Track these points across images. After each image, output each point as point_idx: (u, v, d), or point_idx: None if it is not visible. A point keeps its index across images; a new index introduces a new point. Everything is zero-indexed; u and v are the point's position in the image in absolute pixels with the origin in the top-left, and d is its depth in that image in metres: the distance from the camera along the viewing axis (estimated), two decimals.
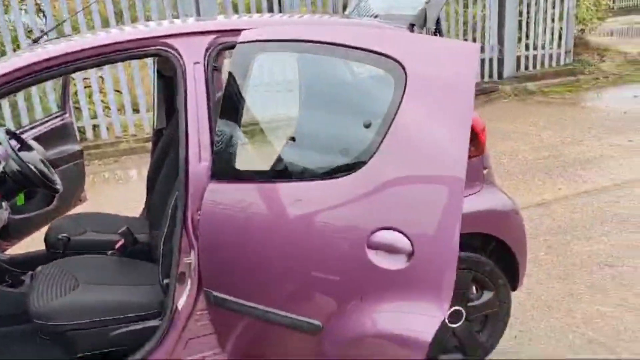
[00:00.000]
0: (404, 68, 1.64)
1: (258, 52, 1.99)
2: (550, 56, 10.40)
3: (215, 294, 2.08)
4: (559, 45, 10.45)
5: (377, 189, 1.65)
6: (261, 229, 1.89)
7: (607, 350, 2.72)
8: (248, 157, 2.15)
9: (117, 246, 2.75)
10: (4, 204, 2.57)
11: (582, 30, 12.43)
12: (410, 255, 1.61)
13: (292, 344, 1.94)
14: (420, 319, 1.61)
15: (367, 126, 1.81)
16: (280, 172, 1.99)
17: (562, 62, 10.51)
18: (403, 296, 1.62)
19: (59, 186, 2.75)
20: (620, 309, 3.06)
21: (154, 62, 3.33)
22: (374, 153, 1.69)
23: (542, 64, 10.32)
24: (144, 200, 3.40)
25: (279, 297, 1.88)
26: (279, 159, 2.02)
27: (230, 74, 2.03)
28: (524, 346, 2.80)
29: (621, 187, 4.85)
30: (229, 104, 2.03)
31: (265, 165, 2.06)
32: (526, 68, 10.18)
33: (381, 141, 1.65)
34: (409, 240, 1.60)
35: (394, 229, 1.61)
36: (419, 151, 1.64)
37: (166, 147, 3.17)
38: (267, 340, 2.00)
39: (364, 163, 1.75)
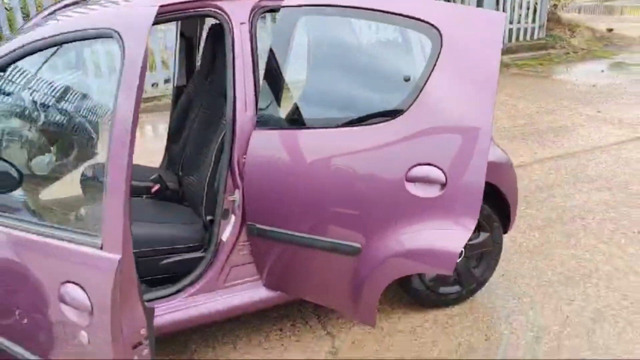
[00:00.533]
0: (439, 32, 1.95)
1: (301, 15, 2.28)
2: (525, 30, 10.83)
3: (259, 226, 2.40)
4: (534, 20, 10.87)
5: (414, 133, 1.99)
6: (306, 168, 2.21)
7: (579, 286, 3.16)
8: (290, 108, 2.44)
9: (153, 190, 3.03)
10: (51, 150, 2.81)
11: (555, 6, 12.86)
12: (443, 185, 1.95)
13: (330, 266, 2.28)
14: (451, 236, 1.96)
15: (407, 80, 2.13)
16: (320, 121, 2.29)
17: (535, 37, 10.95)
18: (436, 218, 1.97)
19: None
20: (591, 253, 3.51)
21: (176, 25, 3.57)
22: (412, 103, 2.02)
23: (517, 37, 10.74)
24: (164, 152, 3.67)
25: (323, 226, 2.22)
26: (319, 110, 2.32)
27: (275, 33, 2.31)
28: (511, 282, 3.21)
29: (590, 152, 5.31)
30: (273, 60, 2.31)
31: (306, 115, 2.36)
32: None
33: (419, 93, 1.98)
34: (443, 173, 1.94)
35: (430, 164, 1.95)
36: (451, 104, 1.97)
37: (188, 103, 3.43)
38: (307, 264, 2.34)
39: (402, 112, 2.08)
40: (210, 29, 2.94)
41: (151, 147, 4.80)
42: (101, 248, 1.46)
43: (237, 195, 2.43)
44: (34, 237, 1.61)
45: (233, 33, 2.36)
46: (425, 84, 1.97)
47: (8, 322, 1.73)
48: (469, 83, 1.92)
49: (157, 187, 3.04)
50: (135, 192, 3.16)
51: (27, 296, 1.64)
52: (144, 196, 3.08)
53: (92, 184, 2.44)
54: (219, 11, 2.35)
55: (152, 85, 7.88)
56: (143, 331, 1.72)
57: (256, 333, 2.87)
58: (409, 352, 2.70)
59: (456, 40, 1.93)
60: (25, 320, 1.66)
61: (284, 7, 2.28)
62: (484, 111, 1.88)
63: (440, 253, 1.99)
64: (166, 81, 7.80)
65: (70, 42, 1.85)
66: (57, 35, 1.86)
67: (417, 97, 1.99)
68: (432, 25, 1.95)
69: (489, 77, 1.89)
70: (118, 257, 1.42)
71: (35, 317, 1.64)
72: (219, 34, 2.63)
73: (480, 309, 3.00)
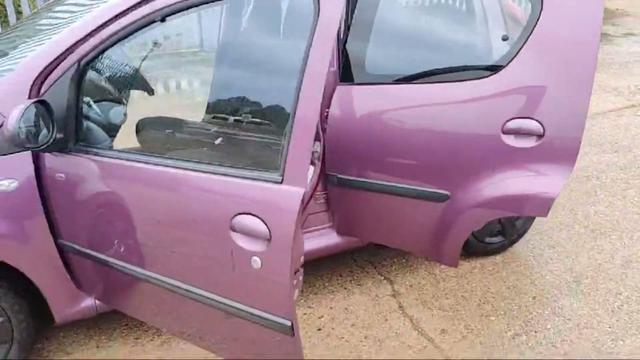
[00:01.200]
0: None
1: None
2: None
3: (341, 176, 2.57)
4: None
5: (512, 88, 2.17)
6: (397, 121, 2.38)
7: (605, 237, 3.45)
8: (377, 64, 2.58)
9: (216, 143, 3.15)
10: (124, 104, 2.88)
11: None
12: (540, 136, 2.15)
13: (414, 212, 2.47)
14: (547, 182, 2.16)
15: (505, 39, 2.30)
16: (415, 76, 2.41)
17: None
18: (532, 166, 2.17)
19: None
20: (610, 208, 3.81)
21: None
22: (512, 59, 2.18)
23: None
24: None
25: (410, 174, 2.39)
26: (414, 66, 2.42)
27: None
28: (544, 234, 3.48)
29: (592, 118, 5.61)
30: (359, 18, 2.45)
31: (399, 70, 2.47)
32: None
33: (518, 50, 2.15)
34: (541, 125, 2.13)
35: (528, 117, 2.14)
36: (551, 58, 2.09)
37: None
38: (389, 210, 2.52)
39: (502, 67, 2.23)
40: None
41: None
42: (281, 182, 1.61)
43: (317, 147, 2.58)
44: (204, 175, 1.76)
45: None
46: (525, 41, 2.14)
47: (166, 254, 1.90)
48: (569, 41, 2.07)
49: (220, 139, 3.15)
50: None
51: (195, 230, 1.79)
52: None
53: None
54: None
55: None
56: (302, 258, 1.91)
57: (318, 279, 3.06)
58: (463, 293, 2.94)
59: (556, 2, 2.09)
60: (191, 252, 1.85)
61: None
62: (586, 68, 2.05)
63: (535, 198, 2.19)
64: None
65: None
66: None
67: (516, 55, 2.16)
68: None
69: (590, 36, 2.03)
70: (302, 190, 1.57)
71: (202, 249, 1.80)
72: None
73: (522, 257, 3.26)
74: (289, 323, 1.72)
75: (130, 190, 1.95)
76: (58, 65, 1.96)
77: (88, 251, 2.15)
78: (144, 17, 1.92)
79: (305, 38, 1.61)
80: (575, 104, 2.07)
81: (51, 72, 1.98)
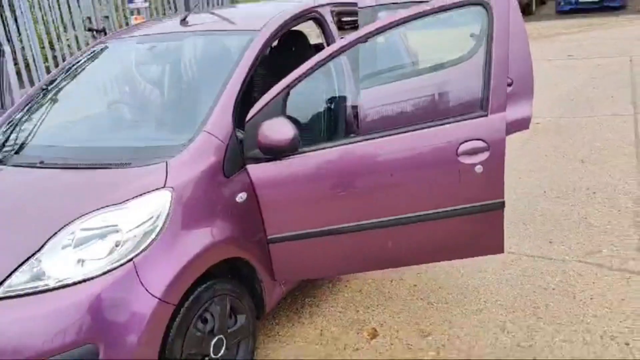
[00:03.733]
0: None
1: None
2: None
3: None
4: None
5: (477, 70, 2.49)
6: None
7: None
8: None
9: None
10: None
11: None
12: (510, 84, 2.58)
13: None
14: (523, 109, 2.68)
15: (472, 36, 2.47)
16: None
17: None
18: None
19: None
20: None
21: None
22: (476, 52, 2.58)
23: None
24: None
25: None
26: None
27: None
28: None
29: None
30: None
31: None
32: None
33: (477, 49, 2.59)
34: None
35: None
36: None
37: None
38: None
39: (471, 56, 2.61)
40: None
41: None
42: (488, 115, 2.41)
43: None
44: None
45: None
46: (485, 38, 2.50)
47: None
48: (513, 37, 2.48)
49: None
50: None
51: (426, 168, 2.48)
52: None
53: None
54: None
55: None
56: None
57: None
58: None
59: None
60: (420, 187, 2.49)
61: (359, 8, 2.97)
62: (523, 48, 2.65)
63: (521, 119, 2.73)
64: None
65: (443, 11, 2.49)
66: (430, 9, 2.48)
67: (479, 48, 2.59)
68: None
69: (520, 28, 2.62)
70: (504, 114, 2.38)
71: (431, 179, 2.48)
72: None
73: None
74: (503, 199, 2.45)
75: (364, 163, 2.48)
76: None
77: (300, 232, 2.50)
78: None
79: None
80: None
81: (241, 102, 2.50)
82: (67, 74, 3.19)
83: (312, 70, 2.49)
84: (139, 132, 2.75)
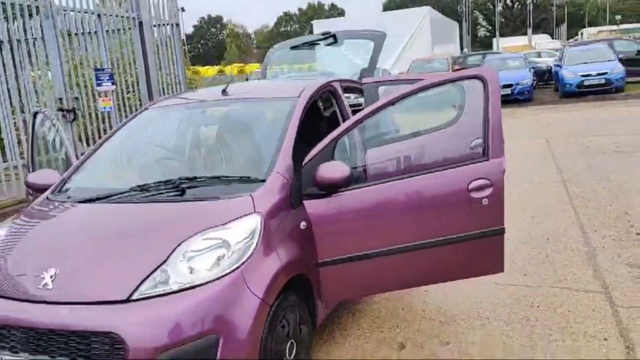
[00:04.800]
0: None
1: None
2: None
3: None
4: None
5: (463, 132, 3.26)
6: None
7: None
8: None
9: None
10: None
11: None
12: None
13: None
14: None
15: (454, 106, 3.28)
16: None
17: None
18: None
19: None
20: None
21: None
22: (460, 118, 3.38)
23: None
24: None
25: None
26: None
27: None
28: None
29: None
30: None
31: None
32: None
33: (461, 114, 3.35)
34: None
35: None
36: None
37: None
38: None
39: (455, 122, 3.40)
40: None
41: None
42: (488, 159, 3.10)
43: None
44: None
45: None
46: (463, 109, 3.41)
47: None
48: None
49: None
50: None
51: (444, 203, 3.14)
52: None
53: None
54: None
55: None
56: None
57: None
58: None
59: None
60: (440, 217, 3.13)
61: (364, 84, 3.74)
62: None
63: None
64: None
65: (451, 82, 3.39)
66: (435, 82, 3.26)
67: (460, 116, 3.51)
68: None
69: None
70: (503, 159, 3.09)
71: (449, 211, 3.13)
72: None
73: None
74: (504, 226, 3.11)
75: (390, 198, 3.10)
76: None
77: (349, 256, 3.04)
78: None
79: None
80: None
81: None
82: (131, 130, 3.73)
83: (352, 126, 3.17)
84: (218, 174, 3.27)
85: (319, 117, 3.88)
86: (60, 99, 9.09)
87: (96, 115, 9.77)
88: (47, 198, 3.25)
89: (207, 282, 2.47)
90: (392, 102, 3.23)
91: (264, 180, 2.95)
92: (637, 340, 3.17)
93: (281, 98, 3.61)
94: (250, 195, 2.83)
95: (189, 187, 3.01)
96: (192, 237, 2.59)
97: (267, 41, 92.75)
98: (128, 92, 10.50)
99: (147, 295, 2.43)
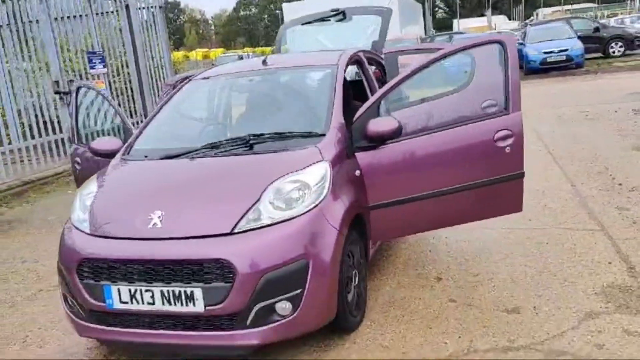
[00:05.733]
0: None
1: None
2: None
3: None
4: None
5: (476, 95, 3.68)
6: None
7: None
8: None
9: None
10: None
11: None
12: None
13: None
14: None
15: (465, 72, 3.73)
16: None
17: None
18: None
19: None
20: None
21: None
22: (470, 82, 3.72)
23: None
24: None
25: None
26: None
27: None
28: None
29: None
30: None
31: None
32: None
33: (472, 79, 3.70)
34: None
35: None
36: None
37: None
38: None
39: (468, 85, 3.74)
40: None
41: None
42: (509, 113, 3.55)
43: None
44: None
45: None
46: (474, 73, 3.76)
47: None
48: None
49: None
50: None
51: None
52: None
53: None
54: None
55: None
56: None
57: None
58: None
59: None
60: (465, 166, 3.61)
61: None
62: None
63: None
64: None
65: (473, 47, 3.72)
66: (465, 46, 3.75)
67: (471, 80, 3.79)
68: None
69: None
70: (520, 112, 3.51)
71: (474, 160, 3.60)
72: None
73: None
74: (523, 170, 3.59)
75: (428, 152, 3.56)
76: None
77: (393, 200, 3.52)
78: None
79: None
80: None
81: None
82: (181, 99, 4.11)
83: (395, 86, 3.63)
84: (280, 131, 3.62)
85: (350, 82, 4.33)
86: (57, 82, 9.26)
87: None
88: (122, 159, 3.61)
89: (294, 217, 2.91)
90: (426, 66, 3.69)
91: (322, 135, 3.39)
92: (636, 262, 3.77)
93: (323, 65, 4.04)
94: (316, 146, 3.27)
95: (256, 143, 3.42)
96: (278, 180, 3.01)
97: (226, 26, 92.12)
98: (114, 76, 10.64)
99: (246, 228, 2.86)
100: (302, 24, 5.91)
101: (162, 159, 3.49)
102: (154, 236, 2.91)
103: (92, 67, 9.78)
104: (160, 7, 11.79)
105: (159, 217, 2.94)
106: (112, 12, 10.52)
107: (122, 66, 10.87)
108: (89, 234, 3.07)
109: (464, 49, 3.77)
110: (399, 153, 3.54)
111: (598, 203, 5.02)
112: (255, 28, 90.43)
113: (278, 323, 2.82)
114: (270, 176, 3.05)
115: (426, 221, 3.73)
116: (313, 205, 2.98)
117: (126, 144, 3.78)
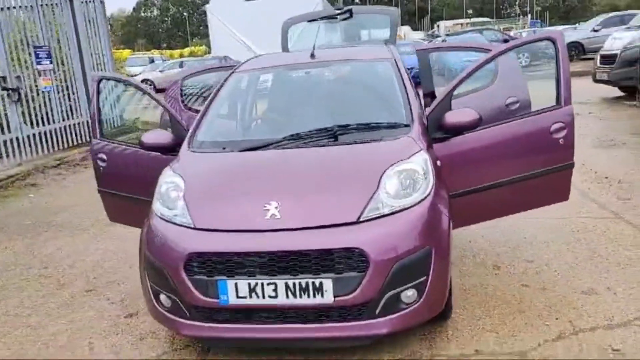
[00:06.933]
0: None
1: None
2: None
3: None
4: None
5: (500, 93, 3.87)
6: None
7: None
8: None
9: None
10: None
11: None
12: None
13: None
14: None
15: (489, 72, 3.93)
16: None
17: None
18: None
19: None
20: None
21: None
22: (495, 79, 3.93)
23: None
24: None
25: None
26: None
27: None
28: None
29: None
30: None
31: None
32: None
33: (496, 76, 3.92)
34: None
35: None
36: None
37: None
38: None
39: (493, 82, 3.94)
40: None
41: None
42: (562, 106, 3.56)
43: None
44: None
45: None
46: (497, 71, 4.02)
47: None
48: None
49: None
50: None
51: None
52: None
53: None
54: None
55: None
56: None
57: None
58: None
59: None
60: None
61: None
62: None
63: None
64: None
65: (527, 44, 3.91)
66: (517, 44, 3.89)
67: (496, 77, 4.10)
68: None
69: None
70: (571, 106, 3.56)
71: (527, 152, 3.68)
72: None
73: None
74: (574, 161, 3.64)
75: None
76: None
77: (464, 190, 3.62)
78: None
79: None
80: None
81: None
82: (231, 91, 3.97)
83: (464, 79, 3.71)
84: (364, 121, 3.54)
85: None
86: (4, 78, 8.52)
87: (37, 94, 9.19)
88: (194, 151, 3.40)
89: (412, 205, 2.89)
90: (489, 60, 3.81)
91: (407, 125, 3.40)
92: None
93: (380, 59, 4.05)
94: (409, 136, 3.27)
95: (342, 134, 3.36)
96: (389, 169, 2.98)
97: (125, 27, 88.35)
98: (56, 72, 9.92)
99: (370, 217, 2.80)
100: (308, 22, 5.86)
101: (243, 150, 3.33)
102: (274, 227, 2.77)
103: (38, 63, 9.06)
104: (101, 1, 11.16)
105: (276, 207, 2.81)
106: (56, 4, 9.80)
107: (64, 61, 10.14)
108: (195, 229, 2.86)
109: (518, 45, 3.93)
110: (472, 144, 3.63)
111: (598, 195, 5.41)
112: (156, 30, 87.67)
113: (404, 311, 2.79)
114: (381, 165, 3.01)
115: (490, 210, 3.84)
116: (427, 193, 2.97)
117: (187, 137, 3.56)
